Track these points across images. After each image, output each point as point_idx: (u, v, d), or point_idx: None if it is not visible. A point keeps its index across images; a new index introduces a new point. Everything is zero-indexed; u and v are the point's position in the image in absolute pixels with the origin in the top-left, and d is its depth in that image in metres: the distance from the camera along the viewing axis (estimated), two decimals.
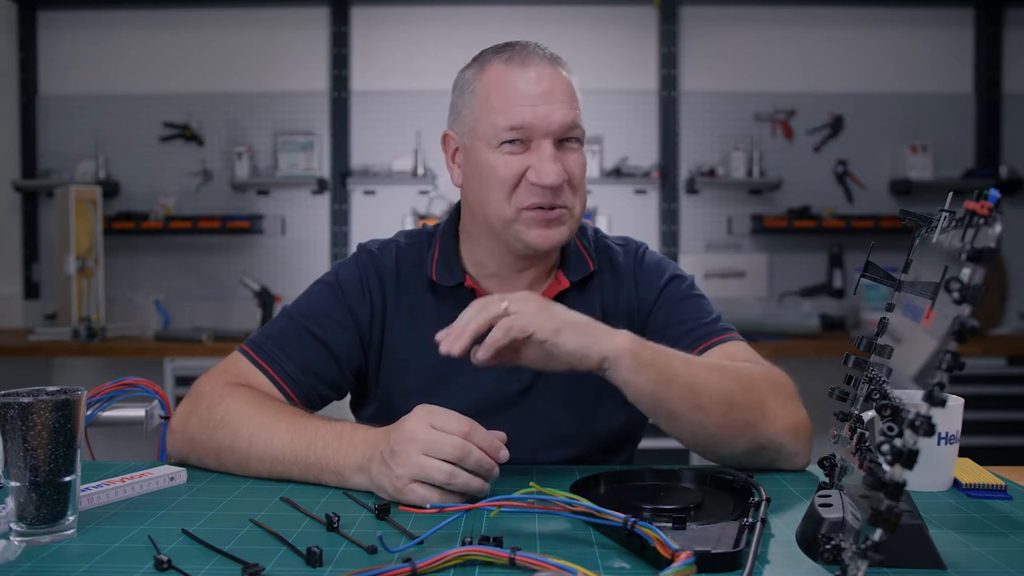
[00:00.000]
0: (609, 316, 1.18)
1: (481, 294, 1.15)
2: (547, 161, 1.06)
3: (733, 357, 1.09)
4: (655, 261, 1.23)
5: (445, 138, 1.18)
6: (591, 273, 1.19)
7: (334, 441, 0.94)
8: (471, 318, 0.92)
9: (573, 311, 0.95)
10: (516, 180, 1.08)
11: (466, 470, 0.86)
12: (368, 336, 1.17)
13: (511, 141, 1.07)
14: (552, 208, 1.08)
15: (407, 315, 1.17)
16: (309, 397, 1.13)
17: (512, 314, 0.91)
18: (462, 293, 1.16)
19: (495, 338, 0.90)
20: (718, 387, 0.97)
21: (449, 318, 1.15)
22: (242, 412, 1.01)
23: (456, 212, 1.22)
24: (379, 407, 1.18)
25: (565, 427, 1.15)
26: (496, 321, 0.91)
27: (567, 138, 1.09)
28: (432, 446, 0.85)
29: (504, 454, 0.89)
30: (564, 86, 1.09)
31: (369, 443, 0.92)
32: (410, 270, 1.19)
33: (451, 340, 0.91)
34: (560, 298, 1.16)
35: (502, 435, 0.90)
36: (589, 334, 0.92)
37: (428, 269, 1.17)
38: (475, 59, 1.14)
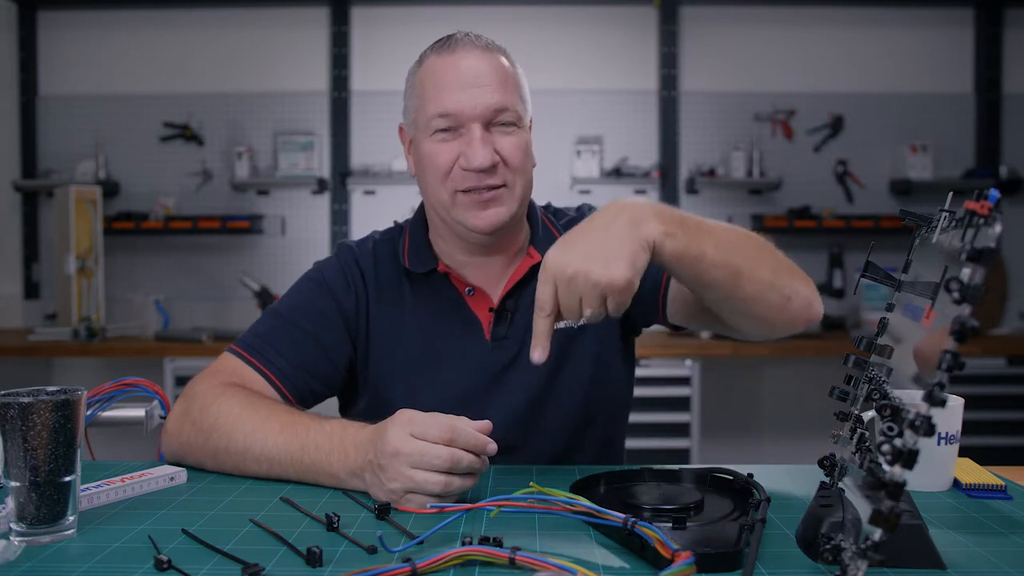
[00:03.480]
0: None
1: (455, 279, 1.18)
2: (475, 145, 1.08)
3: None
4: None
5: (401, 130, 1.22)
6: None
7: (326, 443, 0.94)
8: (539, 330, 0.89)
9: (594, 232, 0.90)
10: (449, 166, 1.10)
11: (458, 473, 0.86)
12: (355, 328, 1.19)
13: (444, 129, 1.10)
14: (488, 189, 1.10)
15: (387, 306, 1.20)
16: (302, 393, 1.14)
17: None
18: (436, 279, 1.19)
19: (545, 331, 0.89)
20: (738, 236, 0.99)
21: (426, 305, 1.19)
22: (235, 414, 1.01)
23: (423, 205, 1.25)
24: (369, 400, 1.19)
25: (552, 393, 1.17)
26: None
27: (500, 122, 1.11)
28: (420, 459, 0.84)
29: (492, 448, 0.87)
30: (493, 71, 1.10)
31: (359, 448, 0.91)
32: (387, 262, 1.22)
33: (539, 351, 0.90)
34: (533, 272, 1.19)
35: (487, 425, 0.89)
36: (628, 238, 0.88)
37: (401, 258, 1.20)
38: (420, 55, 1.17)
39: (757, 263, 0.98)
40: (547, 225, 1.24)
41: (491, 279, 1.20)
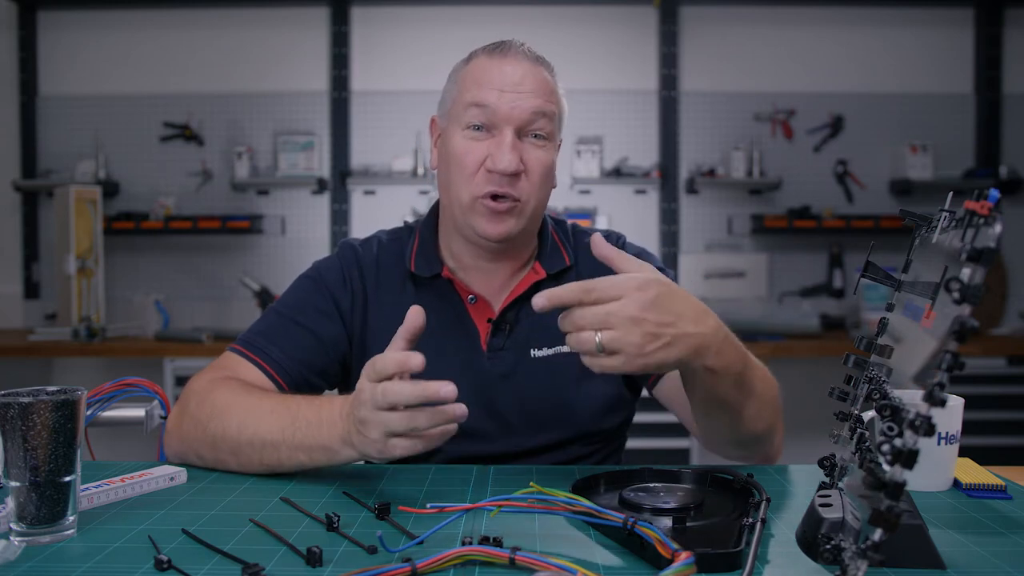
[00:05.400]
0: None
1: (459, 286, 1.18)
2: (505, 148, 1.09)
3: None
4: (637, 251, 1.24)
5: (432, 123, 1.23)
6: (568, 266, 1.22)
7: (315, 417, 0.95)
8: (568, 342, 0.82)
9: (675, 297, 0.83)
10: (477, 166, 1.11)
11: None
12: (351, 325, 1.19)
13: (477, 127, 1.11)
14: (504, 197, 1.10)
15: (388, 306, 1.19)
16: (298, 385, 1.14)
17: (609, 352, 0.81)
18: (440, 284, 1.19)
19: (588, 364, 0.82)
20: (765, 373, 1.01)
21: (427, 309, 1.17)
22: (227, 401, 1.03)
23: (436, 206, 1.24)
24: None
25: (546, 411, 1.16)
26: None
27: (533, 132, 1.11)
28: (379, 399, 0.83)
29: (450, 390, 0.81)
30: (538, 81, 1.12)
31: (344, 415, 0.92)
32: (390, 263, 1.22)
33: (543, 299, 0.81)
34: (536, 288, 1.18)
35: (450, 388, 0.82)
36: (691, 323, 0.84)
37: (408, 260, 1.20)
38: (469, 54, 1.18)
39: (765, 396, 0.99)
40: (556, 243, 1.24)
41: (494, 289, 1.20)
